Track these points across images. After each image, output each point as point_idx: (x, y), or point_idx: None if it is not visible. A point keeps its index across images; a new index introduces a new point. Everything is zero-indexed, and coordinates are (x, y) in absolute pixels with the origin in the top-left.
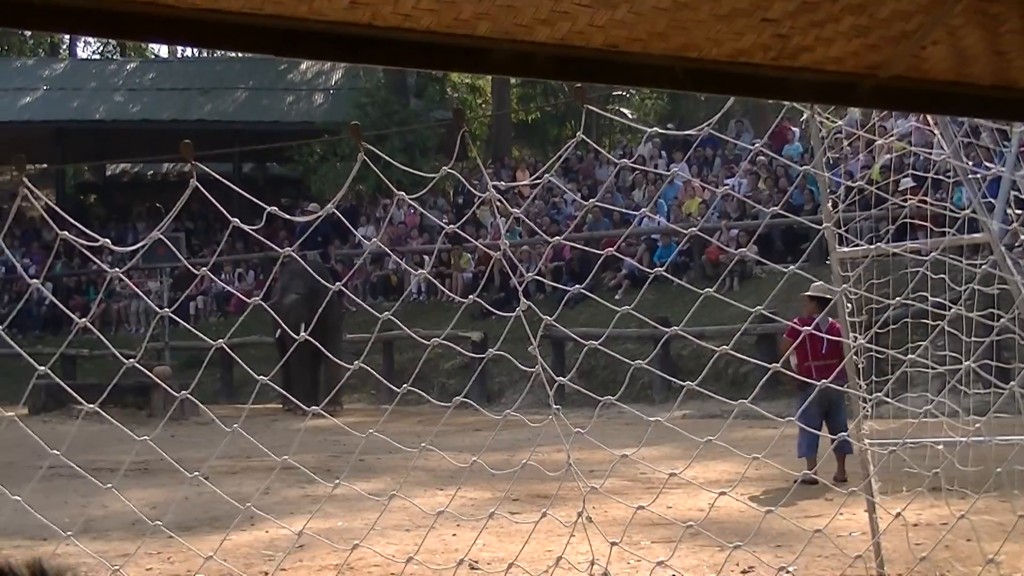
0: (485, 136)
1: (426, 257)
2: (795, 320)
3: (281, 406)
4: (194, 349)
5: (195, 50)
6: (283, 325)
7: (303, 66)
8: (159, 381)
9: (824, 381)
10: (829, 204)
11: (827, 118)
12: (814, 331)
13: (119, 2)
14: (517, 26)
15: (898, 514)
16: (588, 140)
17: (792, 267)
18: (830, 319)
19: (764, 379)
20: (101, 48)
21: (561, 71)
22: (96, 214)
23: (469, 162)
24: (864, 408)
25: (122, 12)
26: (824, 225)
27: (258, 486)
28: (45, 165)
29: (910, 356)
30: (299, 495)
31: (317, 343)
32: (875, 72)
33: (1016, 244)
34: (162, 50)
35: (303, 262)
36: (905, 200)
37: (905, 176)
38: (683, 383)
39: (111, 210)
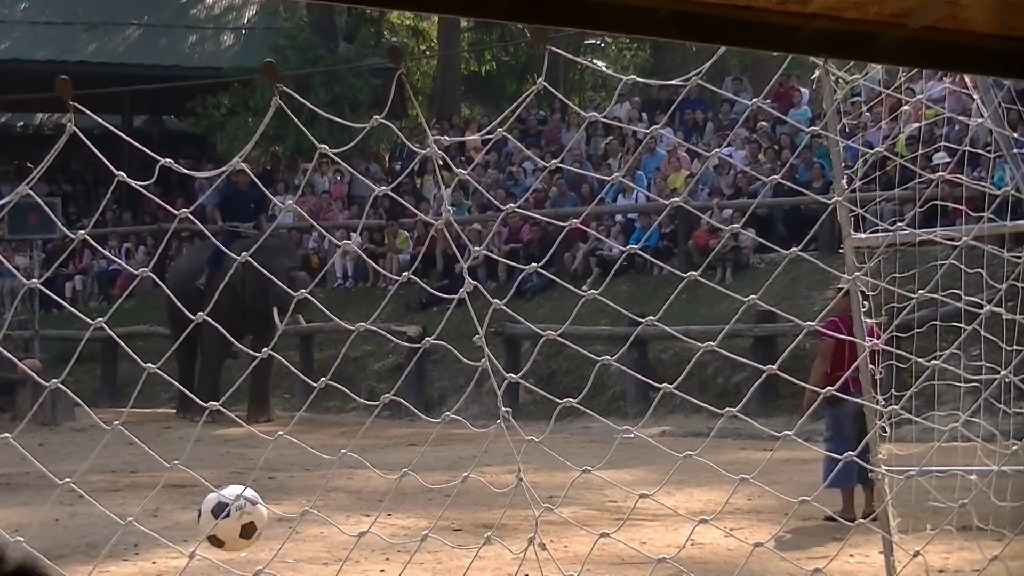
0: (429, 90)
1: (354, 234)
2: (834, 318)
3: (176, 411)
4: (70, 340)
5: None
6: (176, 303)
7: (209, 0)
8: (30, 372)
9: (829, 389)
10: (843, 180)
11: (843, 77)
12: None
13: None
14: None
15: (916, 554)
16: (552, 89)
17: (794, 250)
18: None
19: (756, 385)
20: None
21: (523, 11)
22: None
23: (409, 120)
24: (881, 427)
25: None
26: (834, 199)
27: (145, 506)
28: None
29: (937, 364)
30: (194, 518)
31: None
32: (902, 22)
33: None
34: None
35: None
36: (935, 177)
37: (936, 149)
38: (659, 386)
39: None
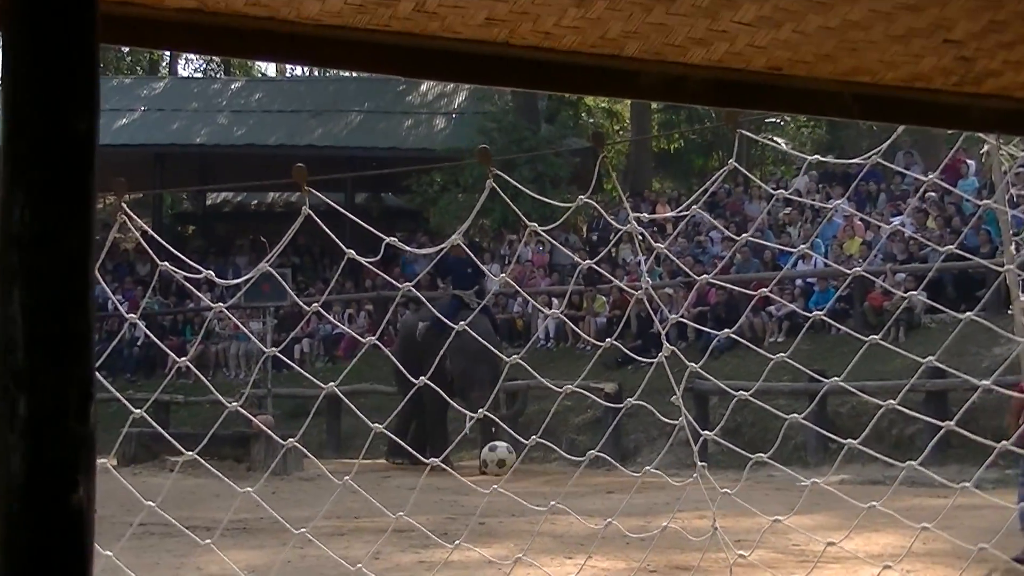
0: (623, 167)
1: (555, 300)
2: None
3: (384, 458)
4: (299, 397)
5: (305, 69)
6: (401, 368)
7: (423, 87)
8: (264, 428)
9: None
10: (1012, 247)
11: (1010, 151)
12: None
13: (232, 17)
14: (669, 46)
15: None
16: (741, 168)
17: (968, 314)
18: None
19: (934, 440)
20: (204, 66)
21: (716, 96)
22: (194, 246)
23: (604, 195)
24: None
25: (234, 28)
26: (1006, 267)
27: (367, 550)
28: (141, 193)
29: None
30: (413, 560)
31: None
32: None
33: None
34: (269, 68)
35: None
36: None
37: None
38: (843, 441)
39: (211, 242)
